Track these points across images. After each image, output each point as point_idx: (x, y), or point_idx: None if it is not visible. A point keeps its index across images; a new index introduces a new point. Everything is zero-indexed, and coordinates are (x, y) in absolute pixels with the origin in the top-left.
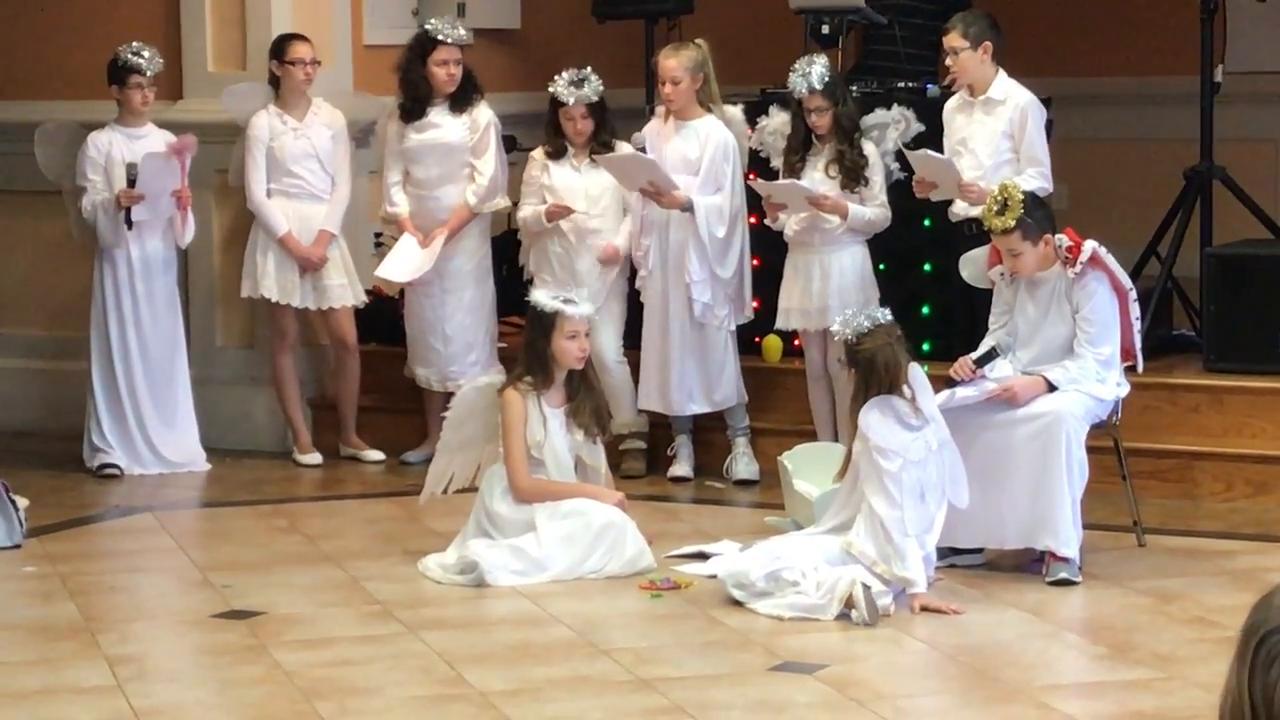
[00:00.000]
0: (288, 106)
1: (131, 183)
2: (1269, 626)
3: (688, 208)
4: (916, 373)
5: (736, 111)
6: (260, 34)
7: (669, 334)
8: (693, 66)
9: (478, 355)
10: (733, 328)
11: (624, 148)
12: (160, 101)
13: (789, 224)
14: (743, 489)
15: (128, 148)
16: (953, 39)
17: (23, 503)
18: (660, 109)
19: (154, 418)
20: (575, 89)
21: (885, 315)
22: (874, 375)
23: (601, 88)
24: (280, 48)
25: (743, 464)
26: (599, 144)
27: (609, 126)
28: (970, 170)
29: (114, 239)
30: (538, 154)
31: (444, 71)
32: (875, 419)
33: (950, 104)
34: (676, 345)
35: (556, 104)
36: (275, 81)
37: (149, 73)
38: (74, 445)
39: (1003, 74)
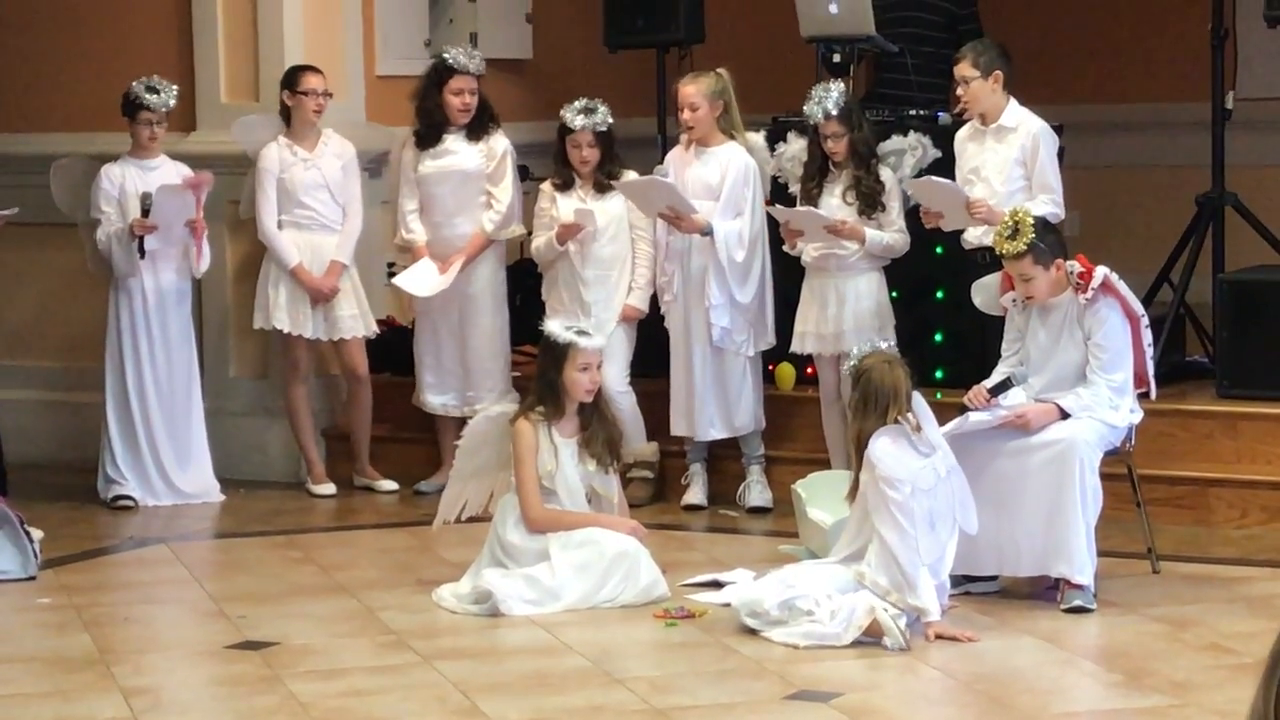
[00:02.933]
0: (298, 138)
1: (145, 212)
2: None
3: (707, 232)
4: (919, 402)
5: (759, 138)
6: (273, 66)
7: (691, 359)
8: (711, 93)
9: (495, 381)
10: (752, 353)
11: (629, 176)
12: (173, 133)
13: (806, 250)
14: (756, 517)
15: (141, 179)
16: (963, 68)
17: (38, 535)
18: (683, 137)
19: (168, 449)
20: (584, 116)
21: (889, 345)
22: (870, 390)
23: (610, 119)
24: (292, 79)
25: (756, 492)
26: (604, 175)
27: (616, 158)
28: (984, 199)
29: (128, 268)
30: (546, 186)
31: (459, 101)
32: (885, 447)
33: (961, 133)
34: (698, 370)
35: (565, 131)
36: (287, 112)
37: (159, 109)
38: (88, 477)
39: (1014, 102)
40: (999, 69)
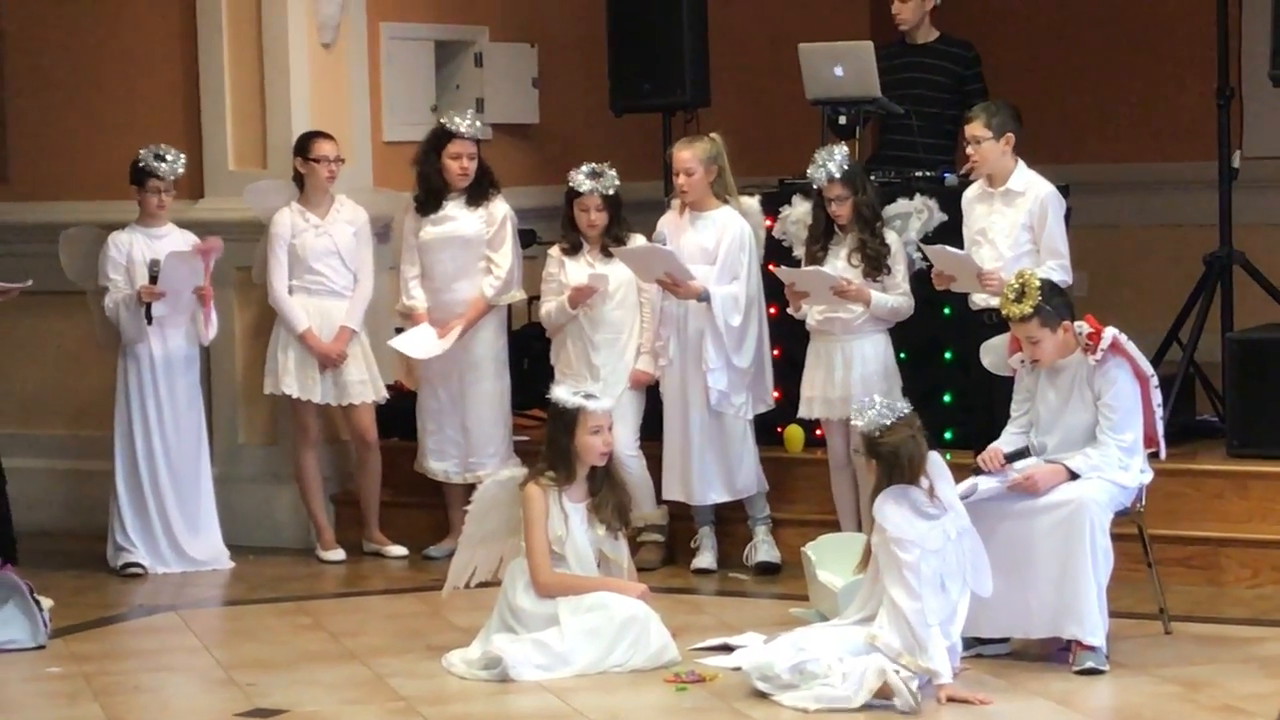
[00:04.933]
0: (310, 204)
1: (153, 279)
2: None
3: (704, 298)
4: (936, 461)
5: (753, 202)
6: (280, 132)
7: (689, 424)
8: (706, 158)
9: (496, 447)
10: (750, 416)
11: (637, 240)
12: (181, 200)
13: (811, 313)
14: (766, 581)
15: (148, 247)
16: (975, 128)
17: (47, 603)
18: (675, 201)
19: (178, 516)
20: (592, 180)
21: (905, 406)
22: (897, 468)
23: (618, 183)
24: (305, 145)
25: (764, 550)
26: (611, 239)
27: (623, 222)
28: (990, 261)
29: (136, 334)
30: (554, 251)
31: (458, 165)
32: (890, 510)
33: (969, 193)
34: (696, 435)
35: (572, 195)
36: (299, 178)
37: (167, 176)
38: (98, 545)
39: (1022, 165)
40: (1011, 131)
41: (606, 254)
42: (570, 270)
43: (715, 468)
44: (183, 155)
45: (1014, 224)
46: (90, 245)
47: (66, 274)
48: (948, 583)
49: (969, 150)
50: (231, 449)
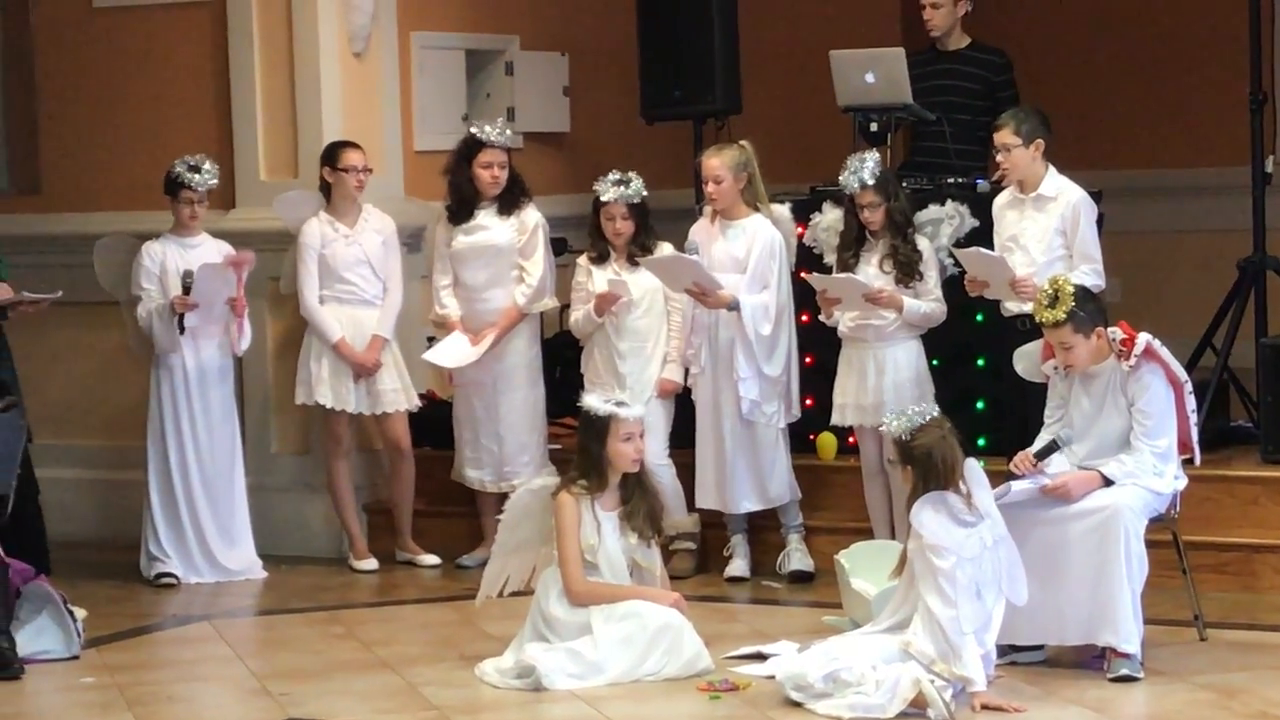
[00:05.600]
0: (339, 213)
1: (187, 289)
2: None
3: (733, 307)
4: (973, 468)
5: (784, 210)
6: (311, 142)
7: (721, 432)
8: (734, 166)
9: (530, 455)
10: (782, 425)
11: (665, 249)
12: (213, 210)
13: (843, 320)
14: (799, 588)
15: (182, 257)
16: (1004, 135)
17: (80, 613)
18: (708, 209)
19: (211, 526)
20: (617, 188)
21: (934, 410)
22: (932, 471)
23: (644, 191)
24: (332, 155)
25: (796, 558)
26: (638, 247)
27: (651, 231)
28: (1023, 267)
29: (169, 344)
30: (582, 259)
31: (488, 174)
32: (928, 517)
33: (1000, 200)
34: (728, 443)
35: (599, 204)
36: (327, 188)
37: (201, 188)
38: (131, 555)
39: (1053, 170)
40: (1040, 137)
41: (633, 262)
42: (598, 279)
43: (747, 476)
44: (217, 167)
45: (1046, 229)
46: (125, 254)
47: (101, 283)
48: (983, 590)
49: (999, 158)
50: (264, 459)
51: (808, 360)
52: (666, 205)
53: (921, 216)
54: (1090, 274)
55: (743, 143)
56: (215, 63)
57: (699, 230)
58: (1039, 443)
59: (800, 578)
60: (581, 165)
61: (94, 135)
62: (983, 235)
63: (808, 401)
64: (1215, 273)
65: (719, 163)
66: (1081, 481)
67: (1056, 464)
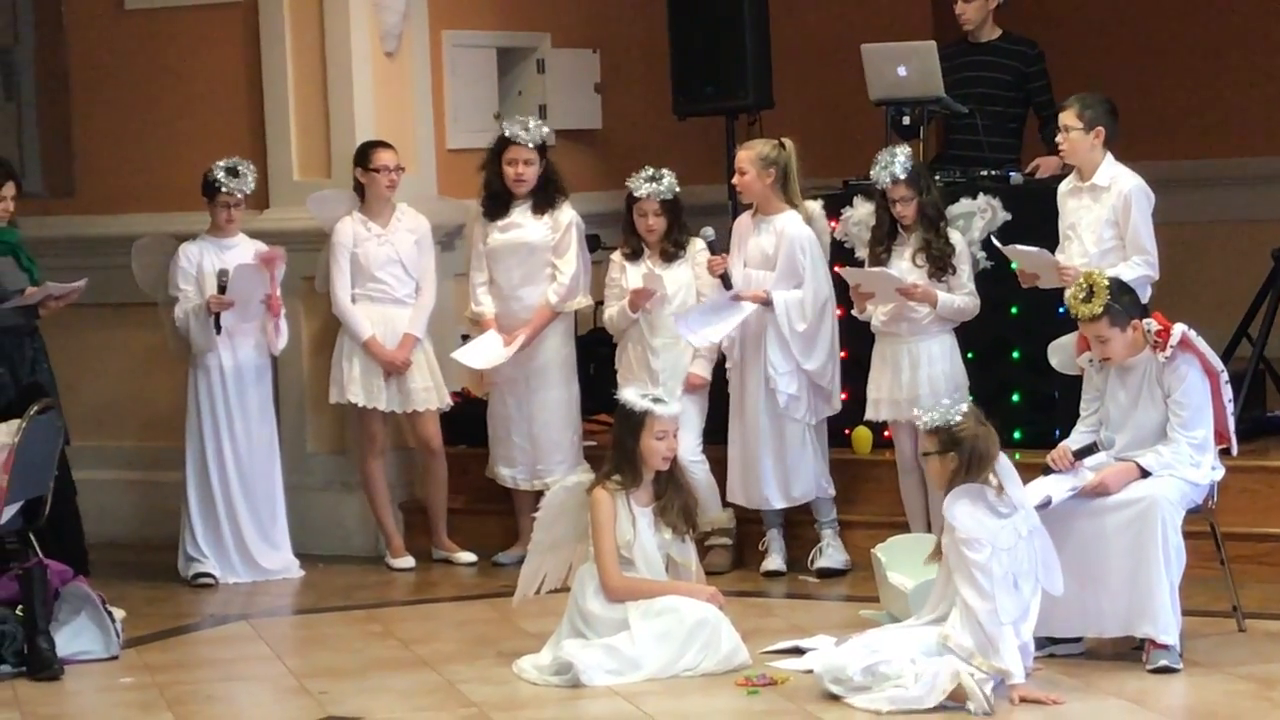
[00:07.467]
0: (372, 213)
1: (222, 289)
2: None
3: (767, 302)
4: (1003, 462)
5: (816, 206)
6: (344, 142)
7: (747, 428)
8: (761, 161)
9: (564, 454)
10: (813, 421)
11: (698, 243)
12: (247, 211)
13: (876, 314)
14: (835, 582)
15: (219, 258)
16: (1067, 117)
17: (119, 614)
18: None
19: (249, 526)
20: (649, 184)
21: (968, 402)
22: (975, 455)
23: (677, 187)
24: (364, 155)
25: (829, 554)
26: (671, 243)
27: (684, 226)
28: (1077, 258)
29: (205, 344)
30: (616, 255)
31: (513, 171)
32: (962, 510)
33: (1062, 187)
34: (754, 440)
35: (631, 200)
36: (360, 188)
37: (237, 191)
38: (169, 555)
39: (1110, 159)
40: (1103, 125)
41: (666, 258)
42: (631, 275)
43: (774, 474)
44: (254, 170)
45: (1098, 219)
46: (163, 255)
47: (139, 284)
48: (1020, 581)
49: (1058, 139)
50: (300, 458)
51: (842, 354)
52: (699, 200)
53: (953, 210)
54: (1142, 264)
55: (783, 140)
56: (247, 63)
57: (741, 224)
58: (1076, 440)
59: (829, 574)
60: (614, 162)
61: (127, 137)
62: (1015, 228)
63: (843, 396)
64: (1251, 262)
65: (743, 155)
66: (1119, 474)
67: (1091, 455)
